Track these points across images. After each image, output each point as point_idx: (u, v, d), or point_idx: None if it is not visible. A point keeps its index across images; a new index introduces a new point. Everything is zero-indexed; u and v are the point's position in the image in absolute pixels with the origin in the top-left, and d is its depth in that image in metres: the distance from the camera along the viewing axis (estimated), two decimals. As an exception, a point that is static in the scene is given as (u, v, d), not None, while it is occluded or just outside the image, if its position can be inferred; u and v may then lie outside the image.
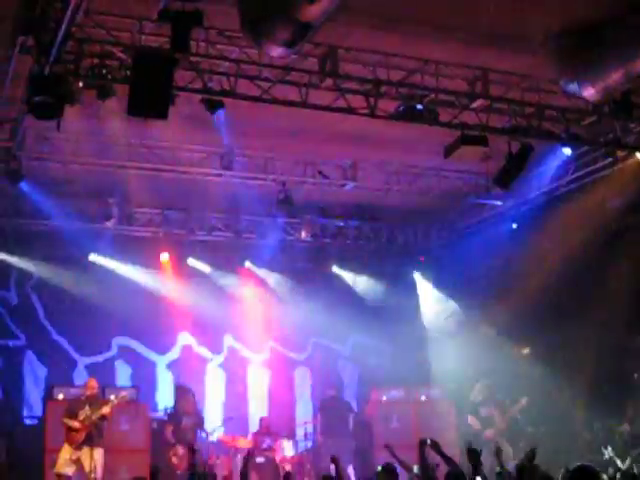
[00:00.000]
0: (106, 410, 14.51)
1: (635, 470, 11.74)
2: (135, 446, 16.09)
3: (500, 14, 10.60)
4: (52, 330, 18.01)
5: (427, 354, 19.94)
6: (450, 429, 17.47)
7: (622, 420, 15.91)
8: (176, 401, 17.33)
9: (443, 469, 9.05)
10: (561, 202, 16.40)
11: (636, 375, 16.21)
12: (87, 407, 14.48)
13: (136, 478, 8.87)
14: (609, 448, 15.29)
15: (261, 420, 18.20)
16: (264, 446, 17.25)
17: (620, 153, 14.65)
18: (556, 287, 16.56)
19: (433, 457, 9.49)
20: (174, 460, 16.06)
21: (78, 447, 14.24)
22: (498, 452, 10.28)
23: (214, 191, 16.66)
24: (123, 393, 15.21)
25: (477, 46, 11.81)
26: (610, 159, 14.83)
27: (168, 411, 17.43)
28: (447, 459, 9.31)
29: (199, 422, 16.94)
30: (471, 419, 16.64)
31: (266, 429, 17.75)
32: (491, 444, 16.05)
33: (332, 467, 9.74)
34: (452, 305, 19.85)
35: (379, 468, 10.06)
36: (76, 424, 14.34)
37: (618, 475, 11.48)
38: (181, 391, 17.37)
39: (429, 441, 9.50)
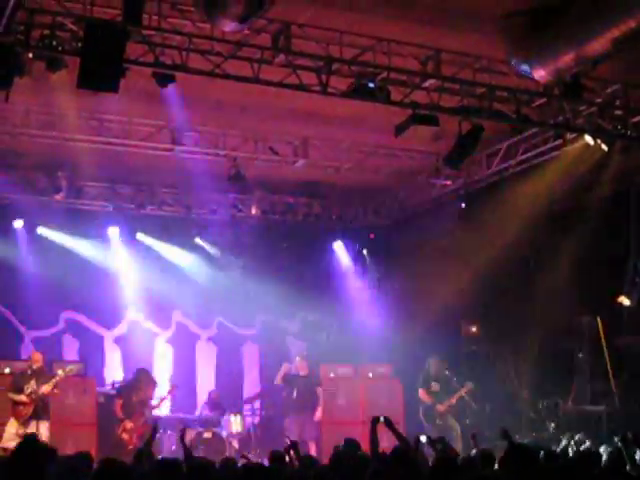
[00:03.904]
0: (53, 384, 14.45)
1: (570, 450, 11.91)
2: (82, 420, 16.03)
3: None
4: (-2, 303, 17.87)
5: (372, 331, 20.05)
6: (397, 407, 17.60)
7: (566, 399, 16.14)
8: (135, 377, 17.13)
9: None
10: (510, 183, 16.52)
11: (580, 355, 16.43)
12: (33, 381, 14.39)
13: (80, 452, 8.79)
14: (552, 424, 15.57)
15: (209, 394, 18.20)
16: (208, 421, 17.24)
17: (569, 135, 14.80)
18: (503, 267, 16.71)
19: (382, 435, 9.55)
20: (124, 436, 15.97)
21: (25, 421, 14.17)
22: (474, 437, 10.54)
23: (164, 166, 16.60)
24: (70, 367, 15.11)
25: (430, 25, 11.83)
26: (559, 141, 14.99)
27: (116, 385, 17.39)
28: (399, 436, 9.38)
29: (147, 397, 16.87)
30: (422, 393, 16.74)
31: (215, 404, 17.76)
32: (443, 416, 16.39)
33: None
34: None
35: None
36: (23, 398, 14.26)
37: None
38: (139, 373, 17.15)
39: (382, 418, 9.55)
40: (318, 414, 16.99)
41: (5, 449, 13.90)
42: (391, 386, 18.26)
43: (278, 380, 17.19)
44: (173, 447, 16.25)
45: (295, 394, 16.79)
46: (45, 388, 14.35)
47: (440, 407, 16.44)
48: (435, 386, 16.69)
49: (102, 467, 6.91)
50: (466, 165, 15.25)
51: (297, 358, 17.65)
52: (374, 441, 9.26)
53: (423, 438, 9.69)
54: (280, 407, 17.88)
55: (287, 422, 16.82)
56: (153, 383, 16.90)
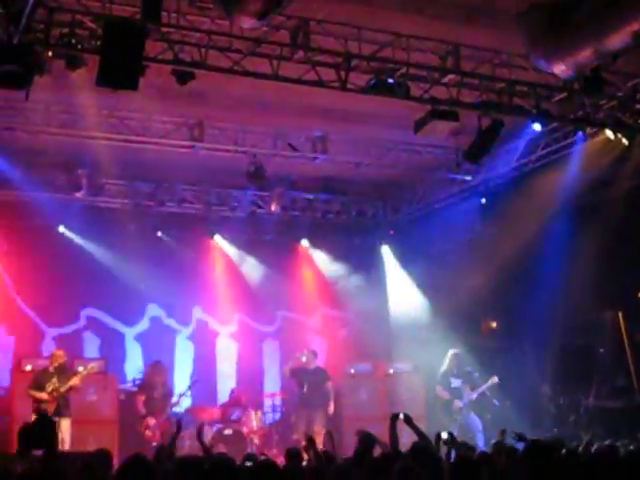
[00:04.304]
0: (75, 382, 14.52)
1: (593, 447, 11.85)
2: (103, 417, 16.14)
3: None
4: (20, 301, 17.89)
5: (392, 327, 20.08)
6: (419, 402, 17.61)
7: (588, 395, 16.08)
8: (148, 374, 17.24)
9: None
10: (530, 178, 16.47)
11: (602, 350, 16.37)
12: (55, 379, 14.45)
13: (100, 449, 8.81)
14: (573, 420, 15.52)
15: (232, 391, 18.23)
16: (233, 417, 17.27)
17: (590, 130, 14.74)
18: (524, 262, 16.65)
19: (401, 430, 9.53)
20: (147, 433, 16.03)
21: (49, 419, 14.23)
22: (502, 433, 10.55)
23: (184, 163, 16.60)
24: (92, 364, 15.13)
25: (449, 21, 11.83)
26: (580, 135, 14.92)
27: (137, 382, 17.45)
28: (419, 432, 9.37)
29: (169, 393, 16.92)
30: (440, 389, 16.75)
31: (236, 400, 17.78)
32: (462, 412, 16.37)
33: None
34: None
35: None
36: (45, 396, 14.32)
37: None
38: (154, 366, 17.26)
39: (402, 415, 9.53)
40: (331, 409, 16.91)
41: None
42: (412, 382, 18.28)
43: (286, 372, 17.31)
44: (187, 442, 16.07)
45: (305, 389, 16.78)
46: (67, 386, 14.41)
47: (458, 403, 16.43)
48: (455, 382, 16.68)
49: (127, 463, 6.92)
50: (486, 160, 15.18)
51: (306, 352, 17.45)
52: (394, 437, 9.25)
53: (444, 435, 9.67)
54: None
55: (294, 417, 16.91)
56: (160, 367, 17.01)
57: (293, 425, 16.53)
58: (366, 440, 9.66)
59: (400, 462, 7.59)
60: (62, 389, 14.37)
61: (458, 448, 9.38)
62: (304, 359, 17.23)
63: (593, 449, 9.78)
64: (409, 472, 7.04)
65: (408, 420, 9.50)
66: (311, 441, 9.39)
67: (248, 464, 8.51)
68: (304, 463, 9.14)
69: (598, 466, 7.95)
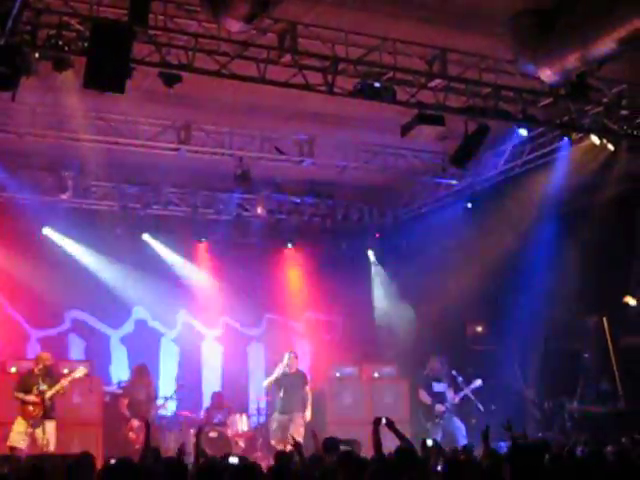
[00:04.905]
0: (65, 384, 14.48)
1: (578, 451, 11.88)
2: (87, 419, 16.07)
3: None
4: (4, 303, 17.85)
5: (378, 331, 20.11)
6: (403, 407, 17.62)
7: (572, 399, 16.13)
8: (132, 376, 17.23)
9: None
10: (516, 182, 16.52)
11: (586, 355, 16.42)
12: (41, 381, 14.40)
13: (83, 452, 8.82)
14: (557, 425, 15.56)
15: (213, 395, 18.16)
16: (216, 421, 17.23)
17: (575, 135, 14.79)
18: (509, 267, 16.70)
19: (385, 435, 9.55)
20: (131, 435, 16.02)
21: (35, 422, 14.16)
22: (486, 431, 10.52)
23: (170, 165, 16.58)
24: (81, 368, 15.02)
25: (436, 25, 11.87)
26: (565, 141, 14.98)
27: (122, 385, 17.42)
28: (401, 437, 9.38)
29: (153, 396, 16.90)
30: (422, 394, 16.75)
31: (218, 404, 17.75)
32: (444, 415, 16.36)
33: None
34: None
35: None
36: (31, 398, 14.26)
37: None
38: (138, 369, 17.24)
39: (384, 420, 9.55)
40: (307, 415, 16.18)
41: (13, 448, 13.94)
42: (397, 386, 18.30)
43: (267, 385, 16.72)
44: (172, 445, 15.95)
45: (282, 393, 16.09)
46: (55, 389, 14.36)
47: (440, 407, 16.44)
48: (438, 386, 16.71)
49: (113, 466, 6.94)
50: (472, 165, 15.21)
51: (287, 355, 16.59)
52: (377, 442, 9.25)
53: (429, 442, 9.68)
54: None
55: (270, 422, 16.41)
56: (143, 370, 16.98)
57: (271, 431, 16.19)
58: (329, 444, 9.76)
59: (372, 465, 7.62)
60: (50, 392, 14.32)
61: (444, 455, 9.40)
62: (286, 362, 16.77)
63: (578, 453, 9.81)
64: (380, 475, 7.08)
65: (390, 425, 9.52)
66: (297, 445, 9.41)
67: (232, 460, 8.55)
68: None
69: (583, 471, 7.98)
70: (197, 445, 9.75)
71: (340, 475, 7.60)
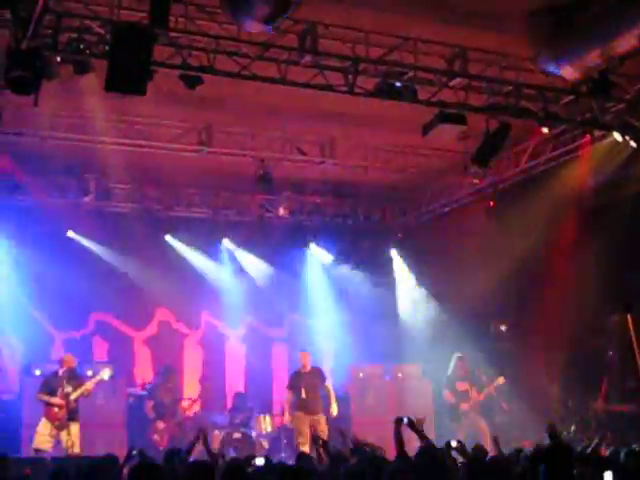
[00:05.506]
0: (90, 386, 14.54)
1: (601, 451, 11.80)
2: (111, 421, 16.15)
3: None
4: (29, 305, 17.91)
5: (401, 331, 20.08)
6: (426, 407, 17.58)
7: (596, 397, 16.05)
8: (157, 378, 17.27)
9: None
10: (538, 180, 16.46)
11: (610, 352, 16.33)
12: (65, 383, 14.46)
13: (108, 455, 8.88)
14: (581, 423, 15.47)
15: (236, 395, 18.17)
16: (237, 422, 17.18)
17: (597, 132, 14.72)
18: (532, 265, 16.64)
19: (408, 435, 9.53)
20: (156, 437, 16.07)
21: (60, 424, 14.21)
22: (496, 440, 10.49)
23: (192, 167, 16.63)
24: (106, 369, 15.03)
25: (456, 24, 11.83)
26: (587, 138, 14.91)
27: (147, 387, 17.47)
28: (422, 437, 9.37)
29: (178, 398, 16.94)
30: (446, 394, 16.76)
31: (242, 405, 17.75)
32: (468, 415, 16.36)
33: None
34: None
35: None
36: (57, 400, 14.32)
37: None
38: (163, 370, 17.30)
39: (406, 419, 9.54)
40: (333, 410, 16.18)
41: (38, 450, 14.00)
42: (421, 386, 18.28)
43: (287, 419, 16.71)
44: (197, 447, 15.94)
45: (304, 394, 16.01)
46: (80, 392, 14.43)
47: (464, 405, 16.43)
48: (462, 385, 16.69)
49: (137, 468, 6.97)
50: (494, 163, 15.16)
51: (301, 353, 16.68)
52: (399, 441, 9.24)
53: (454, 443, 9.66)
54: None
55: (297, 422, 16.06)
56: (172, 373, 17.02)
57: (296, 429, 16.09)
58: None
59: (393, 464, 7.61)
60: (75, 394, 14.38)
61: (468, 455, 9.36)
62: (300, 361, 16.61)
63: (602, 451, 9.76)
64: (398, 475, 7.07)
65: (411, 424, 9.51)
66: (322, 441, 9.44)
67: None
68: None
69: (605, 469, 7.93)
70: (207, 448, 9.80)
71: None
